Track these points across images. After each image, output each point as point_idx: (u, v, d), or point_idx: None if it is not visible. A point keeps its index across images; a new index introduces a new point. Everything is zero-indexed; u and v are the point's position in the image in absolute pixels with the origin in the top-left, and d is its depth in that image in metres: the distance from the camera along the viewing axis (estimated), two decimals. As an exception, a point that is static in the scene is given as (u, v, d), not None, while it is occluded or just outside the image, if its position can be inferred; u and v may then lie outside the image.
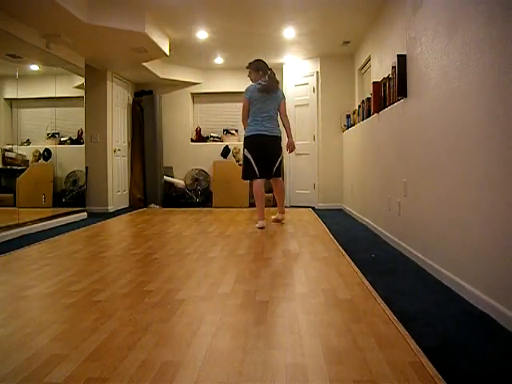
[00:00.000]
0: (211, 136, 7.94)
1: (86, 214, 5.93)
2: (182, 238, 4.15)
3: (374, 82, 4.59)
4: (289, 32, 5.61)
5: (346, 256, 3.30)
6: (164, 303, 2.19)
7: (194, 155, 7.86)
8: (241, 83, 7.51)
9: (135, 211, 6.71)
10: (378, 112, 4.45)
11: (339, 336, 1.76)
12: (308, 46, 6.33)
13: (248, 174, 4.86)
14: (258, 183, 4.83)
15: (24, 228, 4.53)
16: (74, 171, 5.98)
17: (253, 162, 4.77)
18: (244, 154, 4.85)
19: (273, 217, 5.19)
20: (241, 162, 7.48)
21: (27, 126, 5.30)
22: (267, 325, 1.89)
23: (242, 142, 4.97)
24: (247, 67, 4.95)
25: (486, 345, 1.75)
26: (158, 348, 1.65)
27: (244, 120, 4.86)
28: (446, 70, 2.67)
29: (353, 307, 2.13)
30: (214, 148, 7.77)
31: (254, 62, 4.93)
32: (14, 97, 4.86)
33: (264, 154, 4.82)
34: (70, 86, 5.92)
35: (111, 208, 6.72)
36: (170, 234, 4.41)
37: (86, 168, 6.34)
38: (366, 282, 2.56)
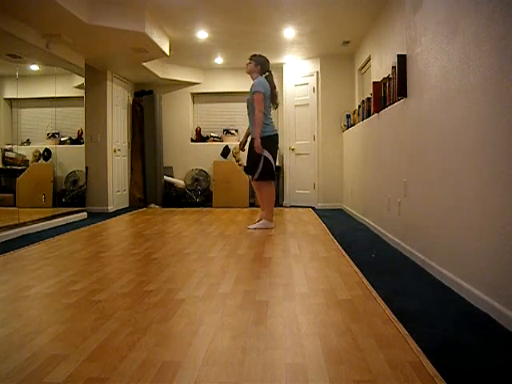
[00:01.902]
0: (211, 136, 7.94)
1: (85, 213, 5.93)
2: (181, 238, 4.15)
3: (374, 82, 4.60)
4: (289, 32, 5.61)
5: (346, 256, 3.30)
6: (164, 303, 2.19)
7: (194, 155, 7.86)
8: (241, 83, 7.53)
9: (135, 211, 6.71)
10: (378, 112, 4.45)
11: (339, 336, 1.76)
12: (308, 46, 6.33)
13: (271, 174, 4.64)
14: (272, 184, 4.75)
15: (24, 228, 4.53)
16: (74, 171, 5.98)
17: (273, 163, 4.62)
18: (264, 156, 4.54)
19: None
20: (241, 162, 7.52)
21: (27, 126, 5.30)
22: (267, 325, 1.89)
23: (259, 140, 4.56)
24: (250, 58, 4.70)
25: (486, 345, 1.75)
26: (157, 348, 1.65)
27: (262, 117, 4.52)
28: (446, 69, 2.67)
29: (353, 307, 2.13)
30: (214, 148, 7.77)
31: (260, 56, 4.71)
32: (14, 97, 4.85)
33: (276, 155, 4.77)
34: (70, 86, 5.92)
35: (111, 208, 6.71)
36: (170, 234, 4.40)
37: (86, 168, 6.34)
38: (366, 282, 2.56)
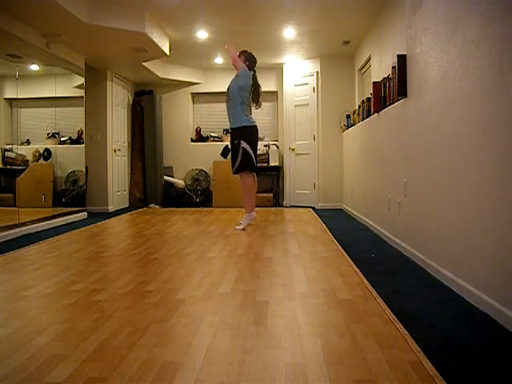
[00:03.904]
0: (211, 136, 7.94)
1: (85, 213, 5.93)
2: (181, 238, 4.14)
3: (374, 82, 4.60)
4: (289, 32, 5.61)
5: (346, 256, 3.30)
6: (164, 303, 2.19)
7: (194, 155, 7.86)
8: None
9: (135, 211, 6.71)
10: (378, 112, 4.45)
11: (339, 336, 1.76)
12: (308, 46, 6.33)
13: (251, 166, 4.62)
14: (252, 176, 4.70)
15: (24, 228, 4.53)
16: (74, 171, 5.98)
17: (252, 154, 4.61)
18: (242, 147, 4.57)
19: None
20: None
21: (27, 126, 5.30)
22: (267, 325, 1.89)
23: (239, 130, 4.64)
24: (241, 52, 4.79)
25: (486, 345, 1.76)
26: (157, 348, 1.65)
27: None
28: (446, 69, 2.67)
29: (353, 307, 2.13)
30: (214, 148, 7.77)
31: (250, 53, 4.84)
32: (14, 97, 4.85)
33: (256, 147, 4.76)
34: (69, 86, 5.92)
35: (111, 208, 6.71)
36: (170, 234, 4.40)
37: (86, 168, 6.34)
38: (366, 282, 2.56)
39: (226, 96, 4.80)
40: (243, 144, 4.58)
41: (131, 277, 2.71)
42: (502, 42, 2.01)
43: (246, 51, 4.85)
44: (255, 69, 4.87)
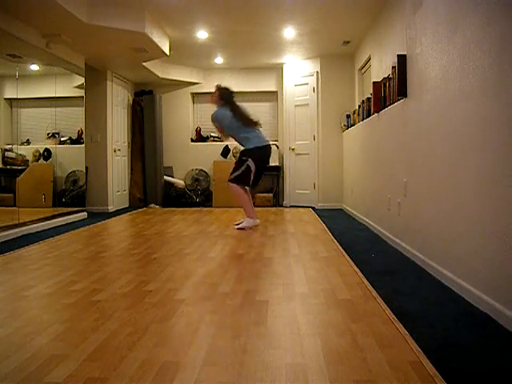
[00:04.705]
0: (211, 136, 7.94)
1: (85, 213, 5.92)
2: (181, 238, 4.14)
3: (374, 82, 4.60)
4: (289, 32, 5.61)
5: (346, 256, 3.30)
6: (164, 303, 2.19)
7: (194, 155, 7.86)
8: (241, 83, 7.53)
9: (135, 211, 6.71)
10: (378, 112, 4.45)
11: (339, 336, 1.76)
12: (308, 46, 6.33)
13: (245, 183, 4.66)
14: (241, 187, 4.69)
15: (24, 228, 4.53)
16: (74, 171, 5.98)
17: (251, 175, 4.62)
18: (248, 164, 4.59)
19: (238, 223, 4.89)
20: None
21: (27, 126, 5.30)
22: (267, 325, 1.89)
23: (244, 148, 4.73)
24: (217, 90, 4.74)
25: (486, 345, 1.76)
26: (157, 348, 1.65)
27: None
28: (446, 69, 2.68)
29: (353, 307, 2.13)
30: (214, 148, 7.77)
31: (226, 90, 4.74)
32: (14, 97, 4.85)
33: (263, 166, 4.79)
34: (69, 86, 5.92)
35: (111, 208, 6.71)
36: (170, 234, 4.40)
37: (86, 168, 6.34)
38: (366, 282, 2.56)
39: None
40: (250, 162, 4.60)
41: (131, 277, 2.71)
42: (502, 42, 2.01)
43: (221, 88, 4.74)
44: (234, 101, 4.72)
